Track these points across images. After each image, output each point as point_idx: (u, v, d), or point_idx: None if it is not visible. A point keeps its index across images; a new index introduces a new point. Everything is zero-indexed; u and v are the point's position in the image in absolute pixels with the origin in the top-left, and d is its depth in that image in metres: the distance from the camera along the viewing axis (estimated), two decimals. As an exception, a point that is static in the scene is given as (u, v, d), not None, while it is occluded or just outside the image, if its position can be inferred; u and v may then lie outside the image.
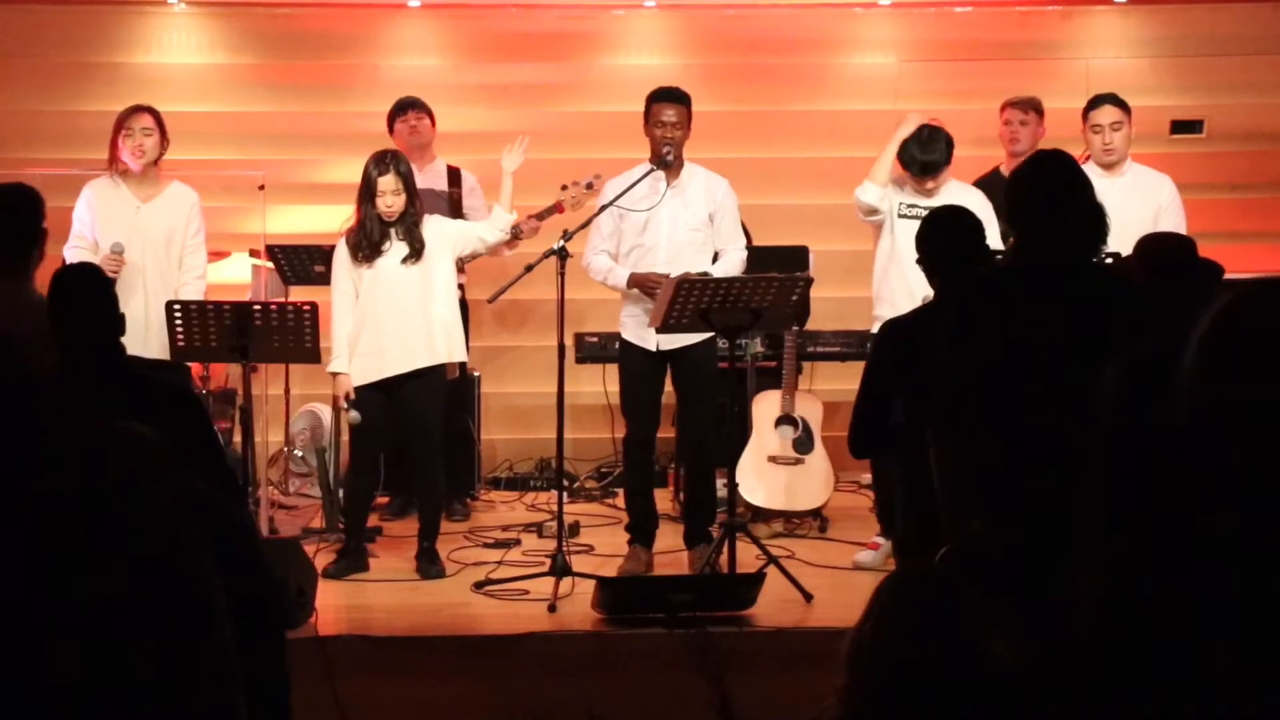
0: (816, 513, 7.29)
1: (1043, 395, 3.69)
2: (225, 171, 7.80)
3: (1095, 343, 3.14)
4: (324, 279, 6.87)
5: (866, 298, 6.79)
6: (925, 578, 2.30)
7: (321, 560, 6.20)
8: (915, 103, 8.42)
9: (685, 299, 5.93)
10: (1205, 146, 8.90)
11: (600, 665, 5.25)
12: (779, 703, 4.57)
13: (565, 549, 6.00)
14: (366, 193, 6.27)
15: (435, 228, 6.38)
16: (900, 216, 6.55)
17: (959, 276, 4.76)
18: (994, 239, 5.94)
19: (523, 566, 6.37)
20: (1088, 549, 1.76)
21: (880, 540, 6.42)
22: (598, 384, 7.97)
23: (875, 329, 6.58)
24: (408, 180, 6.28)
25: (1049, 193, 4.01)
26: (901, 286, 6.44)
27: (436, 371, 6.39)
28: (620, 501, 7.14)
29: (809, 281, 6.34)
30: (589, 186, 6.87)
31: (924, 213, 6.41)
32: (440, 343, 6.35)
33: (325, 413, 7.91)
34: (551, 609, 5.68)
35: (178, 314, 6.12)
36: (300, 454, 8.07)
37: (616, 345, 6.78)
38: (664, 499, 7.37)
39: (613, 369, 7.19)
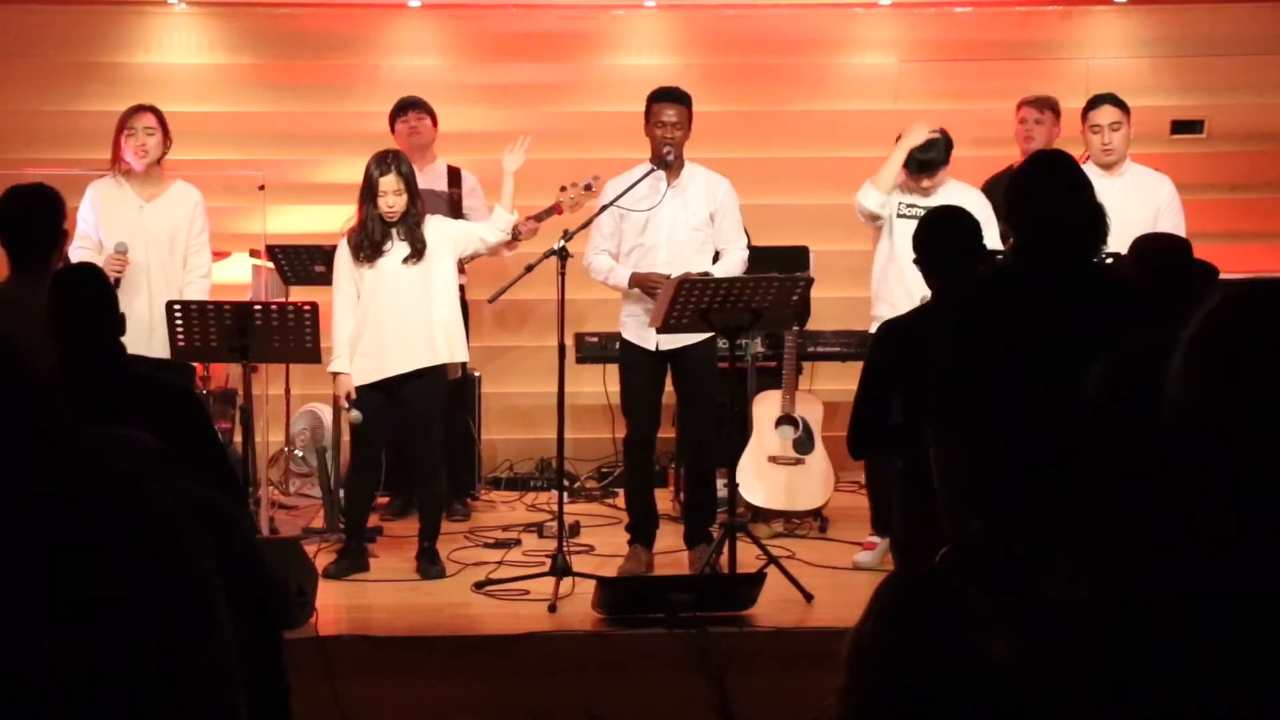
0: (816, 513, 7.29)
1: (1043, 395, 3.69)
2: (225, 171, 7.80)
3: (1095, 343, 3.13)
4: (324, 279, 6.87)
5: (867, 298, 6.78)
6: (925, 578, 2.31)
7: (321, 560, 6.20)
8: (915, 103, 8.45)
9: (686, 299, 5.93)
10: (1205, 146, 8.90)
11: (600, 665, 5.25)
12: (779, 703, 4.57)
13: (565, 549, 6.00)
14: (368, 193, 6.28)
15: (436, 228, 6.38)
16: (899, 217, 6.56)
17: (957, 276, 4.76)
18: (992, 239, 5.94)
19: (523, 566, 6.37)
20: (1080, 546, 1.77)
21: (876, 539, 6.43)
22: (598, 384, 7.97)
23: (874, 329, 6.59)
24: (409, 180, 6.29)
25: (1049, 193, 4.01)
26: (900, 287, 6.44)
27: (437, 372, 6.39)
28: (620, 501, 7.14)
29: (809, 281, 6.34)
30: (587, 188, 6.87)
31: (922, 212, 6.43)
32: (441, 343, 6.35)
33: (325, 413, 7.91)
34: (551, 609, 5.68)
35: (178, 314, 6.12)
36: (300, 454, 8.07)
37: (617, 345, 6.78)
38: (664, 499, 7.36)
39: (613, 369, 7.19)
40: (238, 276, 7.98)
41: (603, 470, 8.46)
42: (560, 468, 6.33)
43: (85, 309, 4.05)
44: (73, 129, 8.37)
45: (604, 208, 6.41)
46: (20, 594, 1.56)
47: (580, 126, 8.64)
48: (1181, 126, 8.92)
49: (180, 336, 6.12)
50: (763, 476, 7.23)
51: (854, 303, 7.56)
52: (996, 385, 3.87)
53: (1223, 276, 5.16)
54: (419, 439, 6.42)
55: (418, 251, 6.28)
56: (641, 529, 6.49)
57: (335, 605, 5.73)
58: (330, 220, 7.39)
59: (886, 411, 4.75)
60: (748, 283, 6.03)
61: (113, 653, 1.58)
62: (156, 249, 6.54)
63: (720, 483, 6.59)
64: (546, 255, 6.12)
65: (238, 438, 6.81)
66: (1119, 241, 4.65)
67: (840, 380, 7.72)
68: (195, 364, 6.73)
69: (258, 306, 6.40)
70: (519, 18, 8.91)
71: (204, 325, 6.13)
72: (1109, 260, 4.76)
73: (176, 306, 6.15)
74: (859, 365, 5.48)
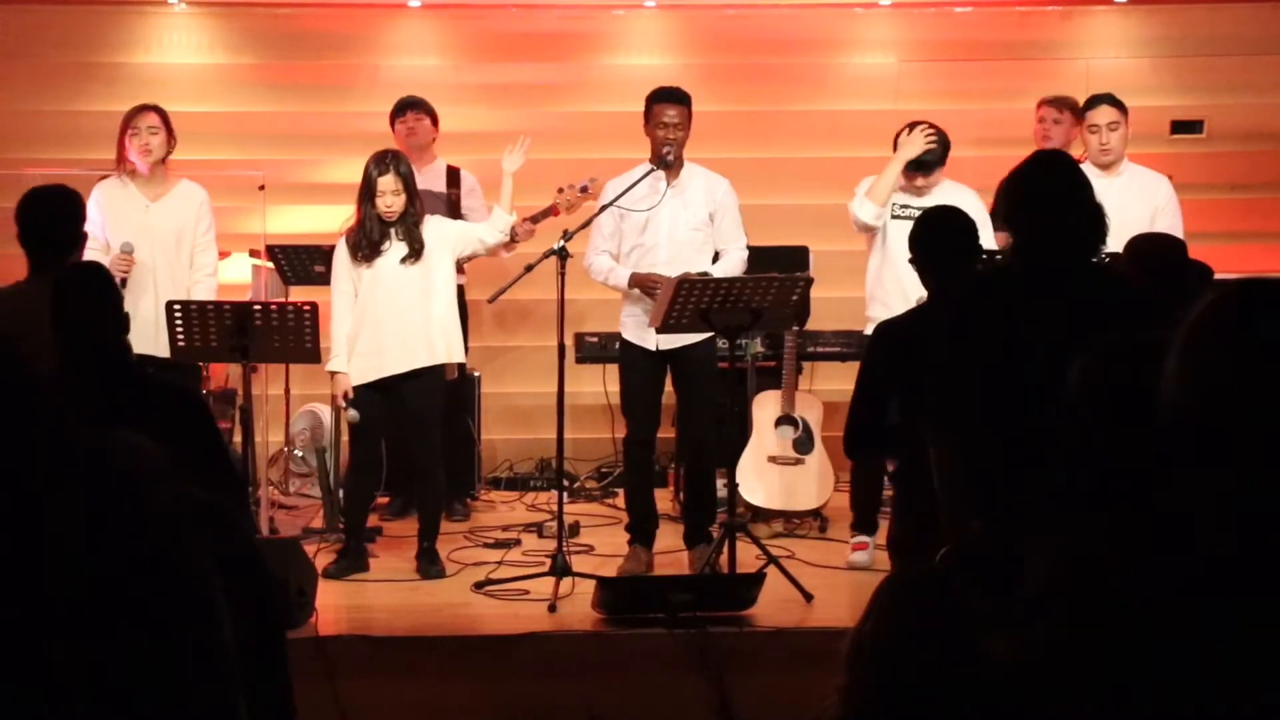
0: (816, 513, 7.29)
1: (1042, 396, 3.69)
2: (225, 171, 7.80)
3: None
4: (324, 279, 6.87)
5: (865, 298, 6.79)
6: (925, 578, 2.31)
7: (321, 560, 6.20)
8: (915, 103, 8.44)
9: (685, 299, 5.94)
10: (1205, 146, 8.90)
11: (600, 665, 5.25)
12: (779, 703, 4.57)
13: (565, 549, 6.00)
14: (366, 193, 6.28)
15: (435, 228, 6.38)
16: (893, 218, 6.57)
17: (953, 277, 4.76)
18: (988, 239, 5.94)
19: (523, 566, 6.37)
20: (1066, 543, 1.77)
21: (865, 539, 6.43)
22: (598, 384, 7.97)
23: (869, 330, 6.60)
24: (408, 180, 6.29)
25: (1049, 193, 4.01)
26: (895, 288, 6.45)
27: (435, 372, 6.39)
28: (620, 501, 7.14)
29: (809, 281, 6.34)
30: (583, 190, 6.87)
31: (917, 213, 6.43)
32: (439, 343, 6.35)
33: (325, 413, 7.91)
34: (551, 609, 5.68)
35: (178, 314, 6.12)
36: (300, 454, 8.08)
37: (616, 345, 6.78)
38: (664, 499, 7.37)
39: (613, 369, 7.19)
40: (238, 276, 7.98)
41: (602, 470, 8.46)
42: (560, 468, 6.33)
43: (86, 308, 4.03)
44: (73, 129, 8.37)
45: (604, 208, 6.41)
46: (20, 594, 1.56)
47: (580, 126, 8.64)
48: (1181, 126, 8.92)
49: (180, 336, 6.12)
50: (762, 476, 7.23)
51: (854, 303, 7.55)
52: (996, 385, 3.87)
53: (1220, 276, 5.17)
54: (417, 439, 6.42)
55: (416, 251, 6.28)
56: (641, 529, 6.49)
57: (335, 605, 5.73)
58: (330, 220, 7.39)
59: (883, 412, 4.75)
60: (747, 283, 6.03)
61: (113, 653, 1.58)
62: (163, 248, 6.54)
63: (720, 483, 6.59)
64: (546, 255, 6.12)
65: (237, 438, 6.81)
66: (1116, 241, 4.64)
67: (840, 380, 7.71)
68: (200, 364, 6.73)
69: (258, 306, 6.40)
70: (519, 18, 8.91)
71: (204, 325, 6.13)
72: (1106, 260, 4.76)
73: (176, 306, 6.15)
74: (858, 365, 5.48)
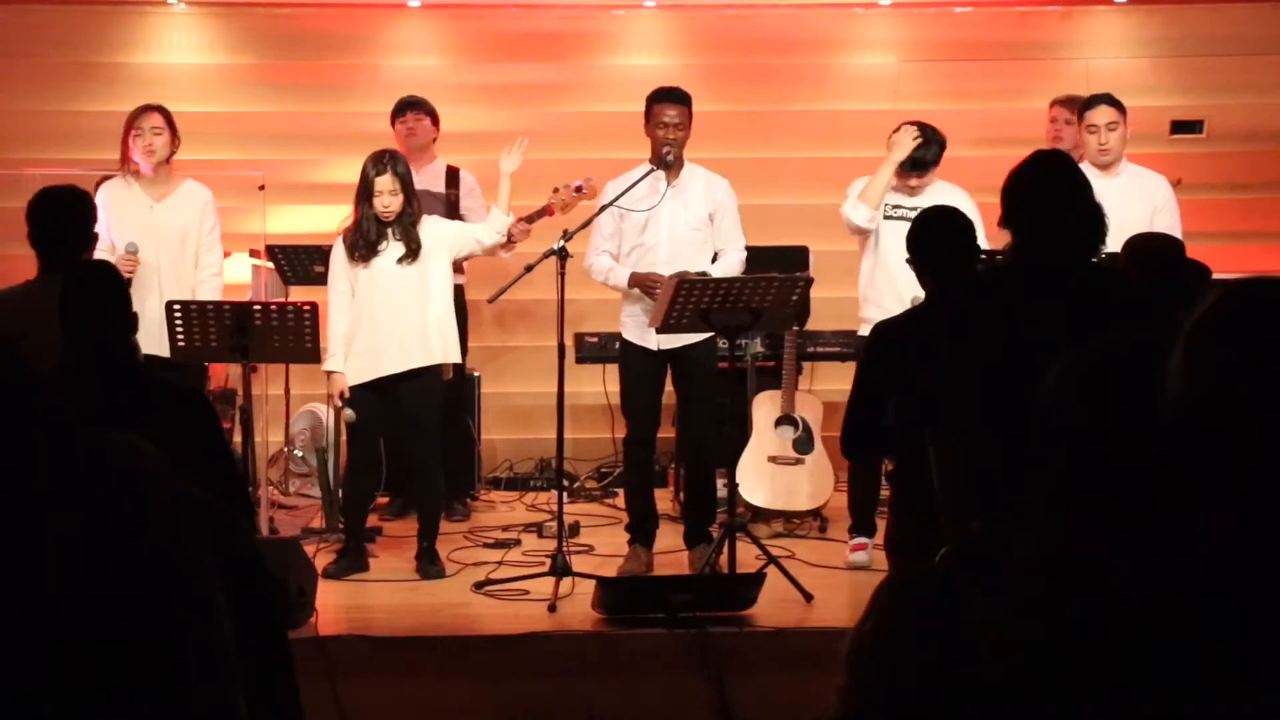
0: (816, 513, 7.29)
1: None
2: (225, 171, 7.80)
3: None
4: (324, 279, 6.86)
5: (863, 299, 6.80)
6: (925, 578, 2.31)
7: (321, 560, 6.20)
8: (915, 103, 8.44)
9: (685, 299, 5.94)
10: (1205, 146, 8.90)
11: (600, 665, 5.25)
12: (779, 703, 4.58)
13: (565, 549, 6.00)
14: (364, 192, 6.28)
15: (432, 228, 6.38)
16: (886, 218, 6.57)
17: (951, 277, 4.75)
18: (980, 238, 5.94)
19: (523, 566, 6.37)
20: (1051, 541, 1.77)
21: (864, 539, 6.43)
22: (598, 384, 7.97)
23: (862, 331, 6.61)
24: (405, 180, 6.29)
25: (1048, 193, 4.01)
26: (889, 288, 6.46)
27: (432, 372, 6.39)
28: (620, 501, 7.14)
29: (809, 281, 6.35)
30: (578, 190, 6.86)
31: (910, 213, 6.44)
32: (436, 343, 6.35)
33: (325, 413, 7.90)
34: (551, 609, 5.68)
35: (178, 314, 6.12)
36: (300, 454, 8.08)
37: (616, 345, 6.78)
38: (664, 499, 7.37)
39: (613, 369, 7.19)
40: (238, 276, 7.98)
41: (602, 470, 8.46)
42: (560, 468, 6.33)
43: (88, 307, 4.02)
44: (73, 129, 8.37)
45: (604, 208, 6.41)
46: (20, 594, 1.56)
47: (580, 126, 8.64)
48: (1181, 126, 8.92)
49: (180, 336, 6.12)
50: (763, 476, 7.23)
51: (853, 303, 7.53)
52: (996, 385, 3.86)
53: (1219, 276, 5.16)
54: (415, 439, 6.42)
55: (413, 252, 6.28)
56: (641, 529, 6.49)
57: (335, 605, 5.73)
58: (330, 220, 7.39)
59: (880, 412, 4.74)
60: (747, 283, 6.03)
61: (113, 653, 1.58)
62: (167, 248, 6.54)
63: (720, 483, 6.59)
64: (546, 255, 6.12)
65: (237, 438, 6.81)
66: (1115, 241, 4.65)
67: (840, 380, 7.70)
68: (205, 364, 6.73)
69: (258, 306, 6.40)
70: (519, 18, 8.91)
71: (204, 325, 6.13)
72: (1105, 260, 4.77)
73: (176, 306, 6.15)
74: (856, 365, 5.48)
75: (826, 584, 6.06)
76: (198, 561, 1.69)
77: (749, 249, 6.64)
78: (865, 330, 6.53)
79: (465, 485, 7.77)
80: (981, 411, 3.88)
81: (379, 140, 7.19)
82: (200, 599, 1.68)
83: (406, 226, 6.28)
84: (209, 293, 6.53)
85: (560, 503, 6.21)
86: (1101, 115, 6.80)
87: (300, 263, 7.60)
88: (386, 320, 6.29)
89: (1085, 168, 6.23)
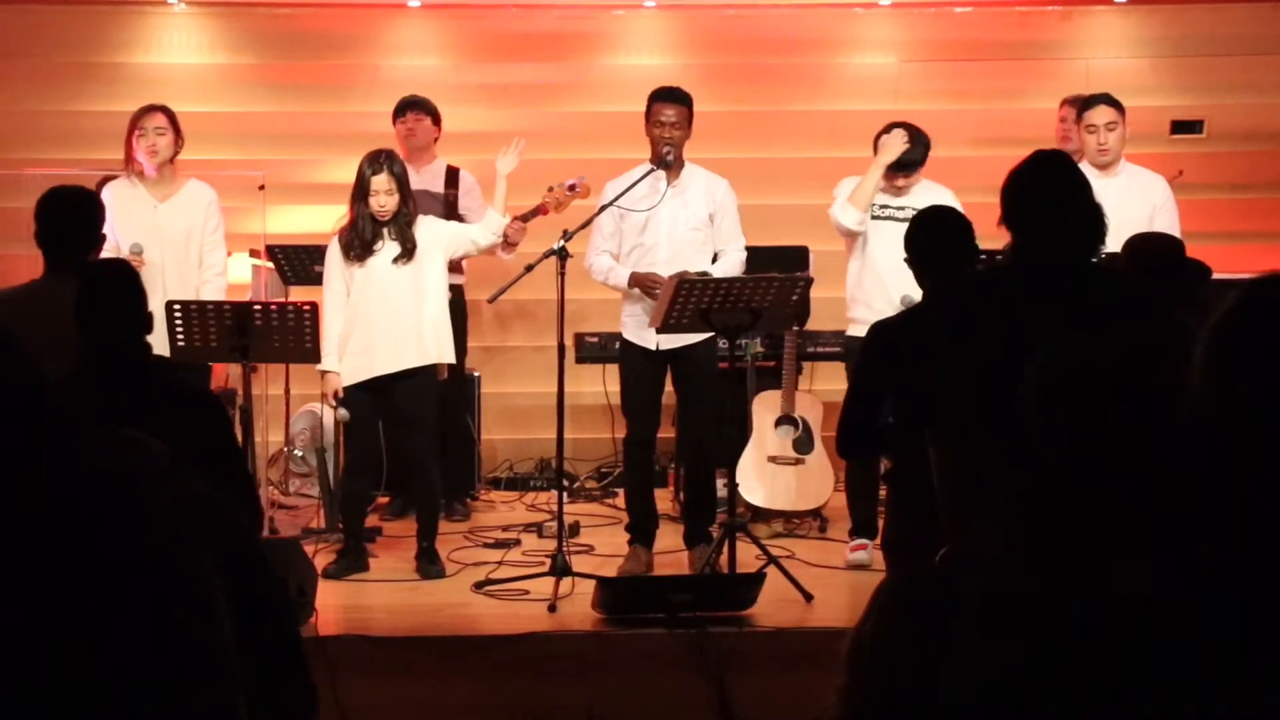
0: (816, 513, 7.29)
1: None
2: (225, 171, 7.79)
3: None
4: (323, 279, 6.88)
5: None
6: (925, 578, 2.30)
7: (321, 560, 6.20)
8: (915, 103, 8.45)
9: (685, 299, 5.94)
10: (1205, 146, 8.90)
11: (600, 665, 5.25)
12: (779, 703, 4.58)
13: (565, 549, 6.00)
14: (360, 192, 6.28)
15: (428, 228, 6.38)
16: (873, 218, 6.57)
17: (950, 277, 4.75)
18: None
19: (523, 566, 6.37)
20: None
21: (864, 540, 6.43)
22: (598, 384, 7.97)
23: (850, 331, 6.62)
24: (401, 180, 6.28)
25: (1048, 193, 4.01)
26: (877, 289, 6.48)
27: (427, 372, 6.39)
28: (620, 501, 7.14)
29: (809, 281, 6.34)
30: (572, 188, 6.85)
31: (897, 212, 6.48)
32: (430, 343, 6.35)
33: (325, 413, 7.90)
34: (551, 609, 5.68)
35: (178, 314, 6.11)
36: (300, 454, 8.07)
37: (616, 345, 6.78)
38: (664, 499, 7.37)
39: (613, 369, 7.19)
40: (238, 276, 7.97)
41: (602, 470, 8.46)
42: (560, 468, 6.32)
43: (105, 306, 4.01)
44: (73, 129, 8.37)
45: (603, 208, 6.41)
46: (20, 594, 1.56)
47: (580, 126, 8.64)
48: (1181, 126, 8.92)
49: (180, 336, 6.11)
50: (763, 476, 7.23)
51: (854, 303, 7.57)
52: (996, 385, 3.86)
53: (1220, 276, 5.16)
54: (411, 439, 6.42)
55: (408, 251, 6.27)
56: (641, 529, 6.49)
57: (335, 605, 5.73)
58: (330, 220, 7.39)
59: (877, 412, 4.74)
60: (747, 283, 6.03)
61: (113, 653, 1.58)
62: (172, 248, 6.54)
63: (720, 483, 6.59)
64: (546, 255, 6.12)
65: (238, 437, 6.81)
66: (1115, 241, 4.64)
67: (840, 380, 7.67)
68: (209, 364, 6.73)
69: (258, 306, 6.40)
70: (519, 18, 8.91)
71: (204, 325, 6.12)
72: (1105, 260, 4.76)
73: (176, 306, 6.14)
74: (854, 365, 5.48)
75: (826, 584, 6.06)
76: (198, 561, 1.69)
77: (749, 249, 6.64)
78: (853, 331, 6.57)
79: (465, 485, 7.77)
80: (981, 411, 3.88)
81: (379, 140, 7.19)
82: (200, 599, 1.68)
83: (402, 226, 6.28)
84: (213, 293, 6.53)
85: (560, 503, 6.21)
86: (1100, 115, 6.80)
87: (300, 263, 7.60)
88: (382, 320, 6.29)
89: (1084, 168, 6.23)
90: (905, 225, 5.83)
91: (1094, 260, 4.06)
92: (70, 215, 5.08)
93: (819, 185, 8.48)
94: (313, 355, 6.29)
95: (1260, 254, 8.41)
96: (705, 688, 4.97)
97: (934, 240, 4.90)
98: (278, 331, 6.16)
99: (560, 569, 5.85)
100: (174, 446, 2.19)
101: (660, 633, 5.28)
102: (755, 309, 5.97)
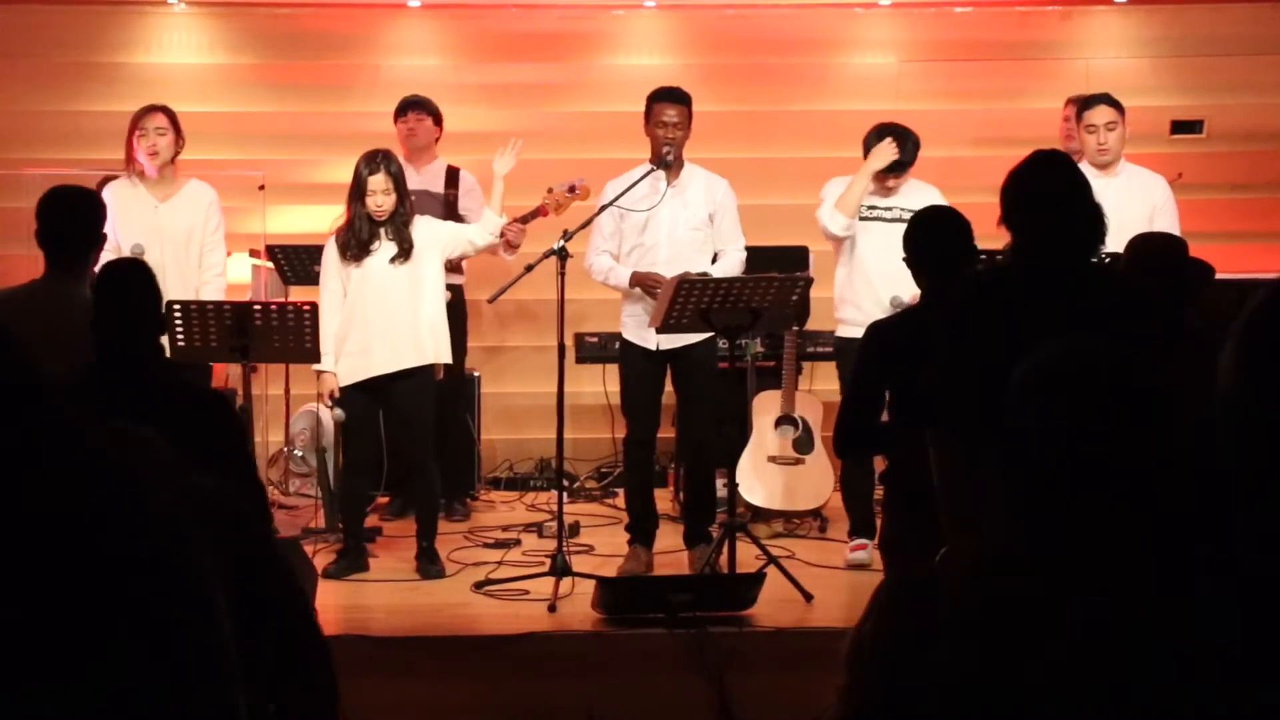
0: (816, 513, 7.30)
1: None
2: (225, 171, 7.79)
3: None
4: (322, 279, 6.88)
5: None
6: (926, 579, 2.30)
7: (321, 560, 6.20)
8: (915, 103, 8.45)
9: (685, 299, 5.94)
10: (1205, 146, 8.90)
11: (600, 665, 5.25)
12: (779, 703, 4.56)
13: (565, 549, 6.00)
14: (357, 192, 6.28)
15: (425, 229, 6.38)
16: (861, 219, 6.57)
17: (949, 277, 4.75)
18: None
19: (523, 566, 6.37)
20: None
21: (864, 540, 6.43)
22: (598, 384, 7.97)
23: (839, 332, 6.62)
24: (398, 180, 6.28)
25: (1048, 193, 4.00)
26: (866, 289, 6.48)
27: (424, 371, 6.39)
28: (620, 501, 7.14)
29: (809, 281, 6.35)
30: (571, 190, 6.85)
31: (885, 213, 6.47)
32: (427, 343, 6.35)
33: (325, 413, 7.90)
34: (551, 609, 5.68)
35: (178, 314, 6.11)
36: (300, 454, 8.07)
37: (616, 345, 6.78)
38: (664, 499, 7.37)
39: (613, 369, 7.19)
40: (238, 276, 7.97)
41: (602, 470, 8.46)
42: (560, 468, 6.33)
43: (110, 306, 4.01)
44: (73, 129, 8.37)
45: (604, 208, 6.41)
46: (20, 593, 1.56)
47: (580, 126, 8.64)
48: (1181, 126, 8.92)
49: (180, 336, 6.11)
50: (762, 476, 7.23)
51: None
52: (996, 385, 3.86)
53: (1220, 276, 5.16)
54: (410, 439, 6.42)
55: (405, 251, 6.27)
56: (641, 529, 6.49)
57: (335, 605, 5.73)
58: (330, 220, 7.39)
59: (874, 412, 4.75)
60: (747, 283, 6.03)
61: (112, 652, 1.58)
62: (172, 248, 6.54)
63: (720, 483, 6.59)
64: (546, 255, 6.12)
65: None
66: (1115, 241, 4.64)
67: (839, 380, 7.72)
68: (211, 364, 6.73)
69: (257, 306, 6.40)
70: (519, 18, 8.91)
71: (204, 325, 6.12)
72: (1106, 260, 4.76)
73: (176, 306, 6.14)
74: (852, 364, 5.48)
75: (826, 584, 6.06)
76: (198, 561, 1.69)
77: (749, 249, 6.64)
78: (842, 331, 6.57)
79: (465, 485, 7.77)
80: (981, 412, 3.88)
81: (379, 140, 7.18)
82: (200, 599, 1.68)
83: (399, 226, 6.28)
84: (213, 293, 6.53)
85: (560, 503, 6.21)
86: (1100, 115, 6.80)
87: (300, 263, 7.60)
88: (378, 320, 6.29)
89: (1084, 168, 6.23)
90: (894, 226, 5.84)
91: (1094, 260, 4.06)
92: (71, 215, 5.07)
93: (819, 185, 8.45)
94: (313, 355, 6.29)
95: (1260, 254, 8.41)
96: (705, 688, 4.96)
97: (933, 240, 4.89)
98: (278, 331, 6.16)
99: (560, 569, 5.85)
100: (186, 447, 2.19)
101: (660, 633, 5.28)
102: (755, 309, 5.97)
